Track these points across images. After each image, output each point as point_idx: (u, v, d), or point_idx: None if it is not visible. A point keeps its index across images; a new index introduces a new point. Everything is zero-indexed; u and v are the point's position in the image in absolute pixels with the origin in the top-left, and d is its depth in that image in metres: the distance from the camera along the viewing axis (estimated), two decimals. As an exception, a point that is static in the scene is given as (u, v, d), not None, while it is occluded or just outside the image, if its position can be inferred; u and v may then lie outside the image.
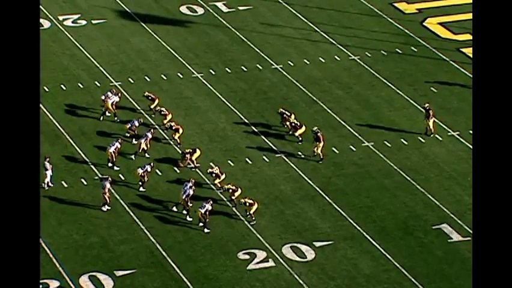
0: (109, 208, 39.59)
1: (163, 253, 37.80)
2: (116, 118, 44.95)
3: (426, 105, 45.04)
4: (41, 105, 45.66)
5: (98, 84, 47.91)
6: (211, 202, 38.67)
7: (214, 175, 40.89)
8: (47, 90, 47.03)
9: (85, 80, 48.05)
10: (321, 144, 42.98)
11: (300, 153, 43.71)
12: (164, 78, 48.47)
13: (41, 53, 48.78)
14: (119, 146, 42.02)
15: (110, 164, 42.03)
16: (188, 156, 42.07)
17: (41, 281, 35.85)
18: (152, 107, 45.24)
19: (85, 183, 41.43)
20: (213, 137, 44.47)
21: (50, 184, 40.81)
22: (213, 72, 49.45)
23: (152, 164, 41.18)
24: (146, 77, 48.62)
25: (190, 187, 39.39)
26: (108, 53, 50.08)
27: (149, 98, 45.28)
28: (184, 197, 39.25)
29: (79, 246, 37.97)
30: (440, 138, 44.82)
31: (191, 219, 39.16)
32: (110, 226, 39.06)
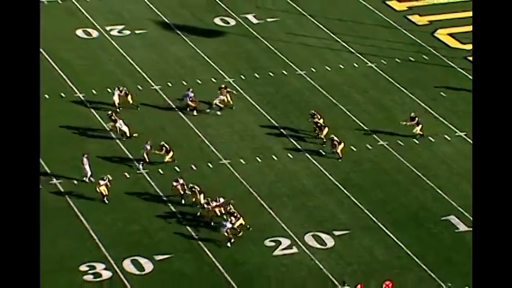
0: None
1: (198, 240, 37.92)
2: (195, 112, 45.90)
3: (412, 114, 44.93)
4: (89, 107, 46.01)
5: (140, 88, 47.97)
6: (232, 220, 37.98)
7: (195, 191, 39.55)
8: (95, 93, 47.11)
9: (129, 84, 48.07)
10: (341, 146, 42.97)
11: (321, 151, 43.70)
12: (199, 82, 48.51)
13: (90, 60, 49.85)
14: (148, 147, 42.04)
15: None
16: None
17: (88, 264, 36.24)
18: None
19: (128, 176, 41.57)
20: (243, 136, 44.54)
21: (91, 179, 40.84)
22: (243, 78, 49.46)
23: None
24: (183, 82, 48.63)
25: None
26: (149, 60, 50.13)
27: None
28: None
29: (122, 233, 38.12)
30: (449, 138, 44.73)
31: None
32: (150, 216, 39.18)
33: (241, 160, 42.93)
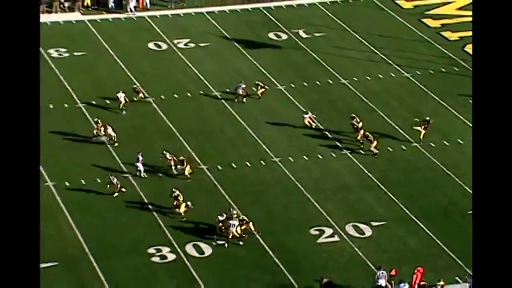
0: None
1: (252, 229, 37.80)
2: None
3: (428, 118, 44.38)
4: (158, 110, 46.07)
5: (202, 93, 48.02)
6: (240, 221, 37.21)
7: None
8: (163, 98, 47.16)
9: (192, 90, 48.13)
10: (374, 143, 42.57)
11: (361, 151, 43.40)
12: (254, 89, 48.39)
13: (159, 69, 50.01)
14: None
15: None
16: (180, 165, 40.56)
17: (155, 247, 36.23)
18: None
19: (160, 175, 41.48)
20: (291, 136, 44.39)
21: (144, 175, 40.59)
22: (293, 86, 49.28)
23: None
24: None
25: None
26: (211, 69, 50.16)
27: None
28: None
29: (186, 221, 38.05)
30: (475, 141, 44.15)
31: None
32: (210, 206, 39.06)
33: (290, 158, 42.79)
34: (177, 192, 38.04)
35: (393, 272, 34.53)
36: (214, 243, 36.59)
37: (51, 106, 45.27)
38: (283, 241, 37.21)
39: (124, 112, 45.16)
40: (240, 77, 49.27)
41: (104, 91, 47.20)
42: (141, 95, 46.20)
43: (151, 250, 36.13)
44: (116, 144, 42.66)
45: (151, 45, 52.70)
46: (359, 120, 44.31)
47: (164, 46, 52.76)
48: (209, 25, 55.50)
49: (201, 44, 53.11)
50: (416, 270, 34.45)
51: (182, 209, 37.88)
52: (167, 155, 40.96)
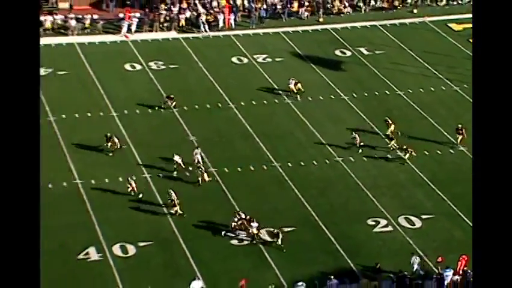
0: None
1: (316, 218, 37.95)
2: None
3: (459, 125, 43.89)
4: (238, 115, 46.44)
5: (277, 101, 48.21)
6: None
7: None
8: (243, 104, 47.50)
9: (268, 98, 48.44)
10: (407, 155, 42.21)
11: (413, 154, 43.16)
12: (321, 98, 48.49)
13: (241, 80, 50.42)
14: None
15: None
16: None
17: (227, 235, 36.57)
18: None
19: (265, 168, 41.72)
20: (351, 139, 44.28)
21: (201, 168, 40.46)
22: (355, 95, 49.24)
23: None
24: (309, 98, 48.67)
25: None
26: (285, 81, 50.08)
27: None
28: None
29: (259, 211, 38.14)
30: (515, 147, 43.48)
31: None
32: (281, 197, 39.33)
33: (351, 158, 42.79)
34: (172, 193, 37.26)
35: (439, 259, 34.35)
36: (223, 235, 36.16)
37: (149, 111, 45.97)
38: (344, 230, 37.33)
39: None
40: (309, 88, 49.46)
41: (193, 99, 47.83)
42: (174, 103, 45.66)
43: (230, 234, 36.51)
44: (124, 146, 41.79)
45: (234, 59, 53.15)
46: (390, 122, 44.21)
47: (245, 60, 53.15)
48: (284, 43, 55.75)
49: (277, 59, 53.36)
50: (461, 258, 34.19)
51: (177, 208, 37.21)
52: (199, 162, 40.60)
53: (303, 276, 33.93)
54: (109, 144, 41.47)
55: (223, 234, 36.18)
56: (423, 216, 38.28)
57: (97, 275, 33.84)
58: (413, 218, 38.18)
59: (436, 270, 34.30)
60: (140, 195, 38.35)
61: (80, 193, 38.73)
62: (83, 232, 36.12)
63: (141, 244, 35.62)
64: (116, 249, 35.25)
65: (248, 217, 36.42)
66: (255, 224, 36.10)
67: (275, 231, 35.98)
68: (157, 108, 45.98)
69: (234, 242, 36.08)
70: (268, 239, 36.05)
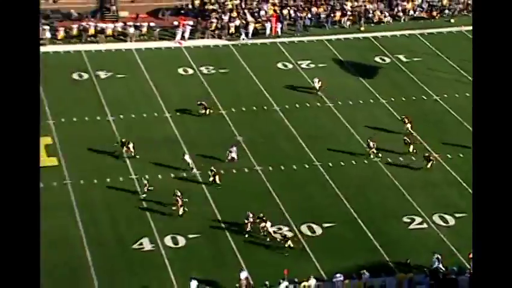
0: None
1: (354, 215, 37.77)
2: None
3: None
4: (284, 118, 46.38)
5: (319, 105, 47.97)
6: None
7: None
8: (287, 107, 47.36)
9: (311, 101, 48.29)
10: (430, 163, 41.34)
11: (448, 155, 42.68)
12: (361, 102, 48.23)
13: (286, 84, 50.36)
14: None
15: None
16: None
17: (276, 226, 36.48)
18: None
19: (307, 167, 41.54)
20: (389, 140, 43.88)
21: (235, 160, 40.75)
22: (393, 100, 48.83)
23: None
24: (349, 101, 48.33)
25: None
26: (327, 85, 49.86)
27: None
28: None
29: (302, 207, 38.10)
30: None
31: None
32: (322, 194, 39.12)
33: (388, 159, 42.45)
34: (178, 193, 36.87)
35: (471, 255, 33.90)
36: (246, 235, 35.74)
37: (202, 111, 46.06)
38: (381, 226, 37.07)
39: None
40: (349, 92, 49.21)
41: (241, 101, 47.92)
42: (209, 110, 45.29)
43: (273, 228, 36.40)
44: (138, 156, 40.88)
45: (279, 65, 53.10)
46: (407, 121, 44.07)
47: (290, 66, 53.03)
48: (327, 50, 55.53)
49: (320, 65, 53.14)
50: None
51: (180, 210, 36.78)
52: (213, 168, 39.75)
53: (341, 269, 33.75)
54: (124, 149, 40.90)
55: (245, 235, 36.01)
56: (457, 215, 37.82)
57: (149, 264, 34.14)
58: (446, 216, 37.77)
59: (468, 266, 33.87)
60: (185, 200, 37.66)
61: (135, 188, 39.07)
62: (138, 224, 36.45)
63: (190, 236, 35.80)
64: (168, 241, 35.49)
65: (262, 216, 35.94)
66: (268, 224, 35.67)
67: (284, 233, 35.53)
68: (199, 112, 45.66)
69: (277, 236, 36.04)
70: (279, 237, 35.72)
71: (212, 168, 39.65)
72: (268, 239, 35.68)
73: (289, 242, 35.02)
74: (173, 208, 37.01)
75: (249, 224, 36.00)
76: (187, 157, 40.57)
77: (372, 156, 42.20)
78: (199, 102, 45.54)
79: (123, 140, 41.39)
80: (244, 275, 32.93)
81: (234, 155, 41.05)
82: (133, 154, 40.92)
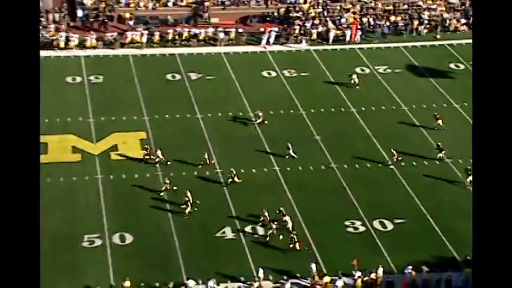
0: None
1: (425, 212, 37.19)
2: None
3: None
4: (359, 119, 46.04)
5: (394, 108, 47.49)
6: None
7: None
8: (363, 109, 47.03)
9: (386, 104, 47.81)
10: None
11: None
12: (434, 106, 47.47)
13: (362, 88, 49.98)
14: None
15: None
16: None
17: (349, 221, 36.43)
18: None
19: (380, 166, 41.19)
20: (463, 141, 42.67)
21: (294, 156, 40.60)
22: (466, 104, 47.66)
23: None
24: (423, 105, 47.63)
25: None
26: (402, 89, 49.44)
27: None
28: None
29: (375, 203, 37.81)
30: None
31: None
32: (393, 192, 38.70)
33: (459, 160, 41.64)
34: (188, 194, 36.34)
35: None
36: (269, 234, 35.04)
37: (281, 112, 46.24)
38: (449, 223, 36.46)
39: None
40: (423, 96, 48.43)
41: (319, 103, 47.79)
42: (263, 120, 44.40)
43: (347, 223, 36.41)
44: (169, 162, 39.98)
45: (357, 69, 52.72)
46: (438, 116, 43.46)
47: (367, 71, 52.60)
48: (403, 56, 54.78)
49: (396, 70, 52.53)
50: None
51: (188, 209, 36.24)
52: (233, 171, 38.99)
53: (410, 262, 33.40)
54: (147, 156, 40.26)
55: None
56: None
57: (231, 251, 34.58)
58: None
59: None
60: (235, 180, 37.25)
61: (219, 181, 39.60)
62: (220, 214, 36.91)
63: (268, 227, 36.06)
64: (248, 230, 35.83)
65: (282, 210, 35.48)
66: (287, 218, 35.20)
67: (293, 235, 34.78)
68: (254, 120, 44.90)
69: (350, 229, 35.92)
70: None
71: (231, 169, 39.24)
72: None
73: (297, 245, 34.38)
74: (182, 207, 36.39)
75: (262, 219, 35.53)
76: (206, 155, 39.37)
77: (441, 157, 41.49)
78: (256, 112, 44.95)
79: (146, 146, 40.48)
80: (314, 267, 33.01)
81: (291, 153, 40.97)
82: (164, 161, 39.83)
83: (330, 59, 53.87)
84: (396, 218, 36.67)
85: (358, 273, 32.63)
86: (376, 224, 36.35)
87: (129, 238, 34.85)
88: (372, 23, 58.85)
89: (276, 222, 35.40)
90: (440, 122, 44.35)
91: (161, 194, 37.81)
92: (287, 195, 38.56)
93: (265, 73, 51.80)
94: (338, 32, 57.20)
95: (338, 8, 60.37)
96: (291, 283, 32.50)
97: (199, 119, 45.52)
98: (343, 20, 58.75)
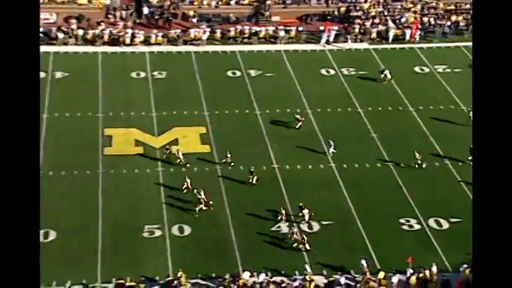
0: None
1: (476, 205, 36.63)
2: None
3: None
4: (417, 118, 45.60)
5: (452, 107, 46.84)
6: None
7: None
8: (421, 108, 46.55)
9: (445, 104, 46.99)
10: None
11: None
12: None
13: (420, 87, 49.39)
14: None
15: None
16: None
17: (404, 218, 36.21)
18: None
19: (437, 164, 40.77)
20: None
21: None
22: None
23: None
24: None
25: None
26: (463, 90, 48.14)
27: None
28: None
29: (433, 201, 37.50)
30: None
31: None
32: (448, 192, 38.17)
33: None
34: (202, 192, 36.20)
35: None
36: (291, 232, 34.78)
37: (339, 110, 46.14)
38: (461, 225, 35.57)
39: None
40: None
41: (377, 101, 47.49)
42: (300, 123, 43.76)
43: (402, 220, 36.18)
44: (188, 165, 39.59)
45: (416, 68, 52.19)
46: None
47: (426, 70, 52.00)
48: (463, 56, 53.93)
49: (455, 70, 51.83)
50: None
51: (201, 206, 36.00)
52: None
53: (466, 262, 32.81)
54: (170, 156, 39.90)
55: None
56: None
57: (284, 245, 34.77)
58: None
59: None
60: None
61: (275, 176, 39.81)
62: (277, 209, 36.96)
63: (324, 223, 36.09)
64: (303, 226, 35.96)
65: (305, 208, 35.44)
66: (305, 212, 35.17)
67: (302, 236, 34.53)
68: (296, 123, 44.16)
69: (405, 227, 35.67)
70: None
71: (251, 169, 38.97)
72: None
73: (307, 245, 34.18)
74: (199, 208, 36.17)
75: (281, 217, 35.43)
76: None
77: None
78: (296, 116, 44.34)
79: (167, 147, 40.31)
80: (365, 263, 32.94)
81: (332, 150, 41.00)
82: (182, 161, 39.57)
83: (389, 58, 53.41)
84: (452, 217, 36.25)
85: (410, 271, 32.45)
86: (431, 222, 36.03)
87: (187, 230, 35.40)
88: (432, 22, 58.14)
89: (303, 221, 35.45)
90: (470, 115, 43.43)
91: (184, 191, 37.27)
92: (343, 192, 38.58)
93: (323, 71, 51.74)
94: (398, 31, 56.73)
95: (399, 7, 59.85)
96: (346, 278, 32.54)
97: (258, 115, 45.84)
98: (403, 20, 58.23)
